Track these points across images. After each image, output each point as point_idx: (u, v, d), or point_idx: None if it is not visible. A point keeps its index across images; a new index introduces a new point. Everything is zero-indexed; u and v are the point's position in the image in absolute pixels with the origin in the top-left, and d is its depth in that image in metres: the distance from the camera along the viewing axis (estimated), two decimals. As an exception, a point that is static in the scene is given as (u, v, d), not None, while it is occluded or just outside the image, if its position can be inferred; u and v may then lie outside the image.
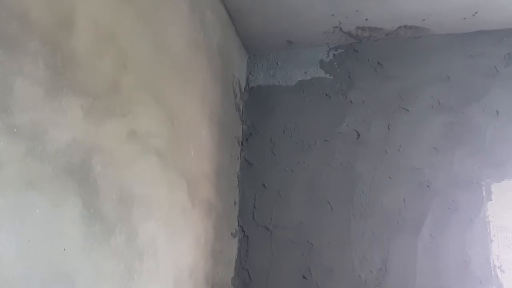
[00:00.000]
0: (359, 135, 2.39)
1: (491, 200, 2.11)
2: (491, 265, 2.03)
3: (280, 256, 2.31)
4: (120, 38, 1.29)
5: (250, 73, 2.73)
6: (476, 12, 2.24)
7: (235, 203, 2.41)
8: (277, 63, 2.70)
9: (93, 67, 1.15)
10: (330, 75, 2.57)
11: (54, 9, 1.02)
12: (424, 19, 2.31)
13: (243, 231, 2.42)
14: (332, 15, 2.33)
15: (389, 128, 2.35)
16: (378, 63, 2.48)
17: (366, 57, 2.52)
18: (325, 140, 2.44)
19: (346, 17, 2.35)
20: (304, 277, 2.25)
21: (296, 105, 2.56)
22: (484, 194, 2.13)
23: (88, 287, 1.09)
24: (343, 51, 2.59)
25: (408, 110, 2.35)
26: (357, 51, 2.55)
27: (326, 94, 2.53)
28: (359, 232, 2.22)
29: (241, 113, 2.59)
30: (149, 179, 1.42)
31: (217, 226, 2.06)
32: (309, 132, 2.48)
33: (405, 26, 2.39)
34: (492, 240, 2.06)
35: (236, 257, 2.37)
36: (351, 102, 2.47)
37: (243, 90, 2.65)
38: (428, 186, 2.20)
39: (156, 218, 1.45)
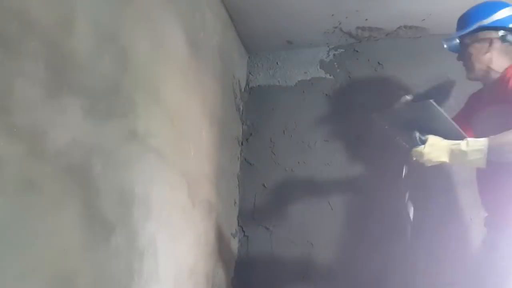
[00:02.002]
0: (359, 135, 2.39)
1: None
2: (491, 265, 2.03)
3: (280, 256, 2.31)
4: (120, 38, 1.29)
5: (250, 73, 2.73)
6: (476, 12, 2.23)
7: (235, 203, 2.41)
8: (277, 63, 2.70)
9: (93, 67, 1.15)
10: (330, 75, 2.57)
11: (54, 9, 1.02)
12: (424, 19, 2.31)
13: (243, 231, 2.42)
14: (332, 15, 2.33)
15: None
16: (378, 63, 2.48)
17: (366, 57, 2.52)
18: (325, 140, 2.44)
19: (346, 17, 2.35)
20: (304, 277, 2.25)
21: (296, 105, 2.56)
22: (484, 194, 2.12)
23: (88, 287, 1.09)
24: (343, 51, 2.59)
25: (408, 110, 2.35)
26: (357, 51, 2.55)
27: (326, 94, 2.53)
28: (359, 232, 2.22)
29: (241, 113, 2.59)
30: (149, 179, 1.42)
31: (217, 226, 2.06)
32: (309, 132, 2.48)
33: (405, 26, 2.38)
34: (492, 240, 2.06)
35: (236, 257, 2.37)
36: (351, 102, 2.47)
37: (243, 90, 2.64)
38: (428, 186, 2.19)
39: (156, 218, 1.45)
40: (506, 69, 1.61)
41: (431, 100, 1.51)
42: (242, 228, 2.42)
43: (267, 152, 2.52)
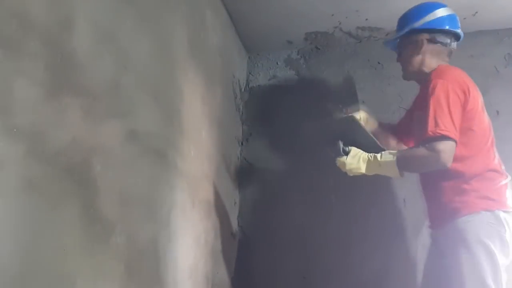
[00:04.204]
0: (359, 135, 2.39)
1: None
2: (491, 265, 2.03)
3: (280, 256, 2.31)
4: (120, 38, 1.29)
5: (250, 73, 2.73)
6: (476, 12, 2.23)
7: (235, 203, 2.40)
8: (277, 63, 2.70)
9: (93, 67, 1.15)
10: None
11: (54, 9, 1.02)
12: (424, 19, 2.31)
13: (243, 231, 2.41)
14: (332, 15, 2.33)
15: (389, 128, 2.35)
16: (378, 63, 2.48)
17: (366, 57, 2.51)
18: (325, 140, 2.44)
19: (346, 17, 2.35)
20: (304, 277, 2.25)
21: (296, 105, 2.55)
22: (484, 194, 2.12)
23: (88, 287, 1.09)
24: (343, 51, 2.59)
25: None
26: (357, 51, 2.55)
27: (326, 94, 2.53)
28: (359, 232, 2.22)
29: (241, 113, 2.59)
30: (149, 179, 1.42)
31: (217, 226, 2.06)
32: (309, 132, 2.47)
33: (405, 26, 2.38)
34: (492, 240, 2.06)
35: (236, 257, 2.36)
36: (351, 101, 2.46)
37: (243, 90, 2.64)
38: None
39: (156, 218, 1.45)
40: (431, 73, 1.65)
41: (354, 115, 1.77)
42: (242, 228, 2.42)
43: (267, 152, 2.52)
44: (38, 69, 0.95)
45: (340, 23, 2.40)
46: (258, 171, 2.50)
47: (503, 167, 1.61)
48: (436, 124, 1.47)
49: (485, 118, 1.64)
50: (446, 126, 1.47)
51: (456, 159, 1.51)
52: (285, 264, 2.29)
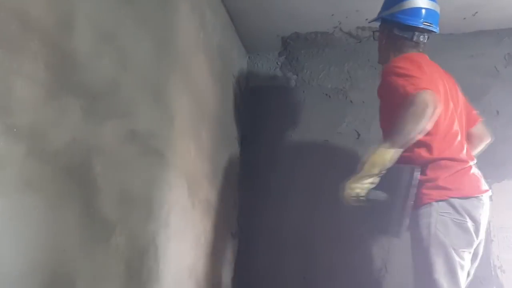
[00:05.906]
0: (359, 135, 2.39)
1: (491, 200, 2.11)
2: (491, 265, 2.03)
3: (280, 256, 2.31)
4: (120, 38, 1.29)
5: (250, 73, 2.73)
6: (476, 12, 2.23)
7: (235, 203, 2.40)
8: (277, 63, 2.70)
9: (93, 67, 1.15)
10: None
11: (54, 9, 1.02)
12: (424, 19, 2.31)
13: (243, 231, 2.41)
14: (332, 15, 2.33)
15: (389, 128, 2.35)
16: (378, 63, 2.47)
17: (366, 57, 2.51)
18: (325, 140, 2.44)
19: (346, 17, 2.35)
20: (304, 277, 2.25)
21: (296, 105, 2.55)
22: (484, 194, 2.12)
23: (88, 287, 1.09)
24: (343, 51, 2.59)
25: (408, 110, 2.34)
26: (357, 51, 2.55)
27: (326, 94, 2.53)
28: (359, 232, 2.22)
29: (241, 113, 2.59)
30: (149, 179, 1.42)
31: (217, 226, 2.06)
32: (309, 132, 2.48)
33: (405, 26, 2.38)
34: (492, 240, 2.06)
35: (236, 257, 2.36)
36: (351, 102, 2.47)
37: (243, 90, 2.64)
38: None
39: (156, 218, 1.45)
40: (385, 65, 1.66)
41: None
42: (242, 228, 2.42)
43: (267, 152, 2.52)
44: (38, 69, 0.95)
45: (340, 23, 2.40)
46: (258, 171, 2.50)
47: (464, 152, 1.54)
48: (410, 85, 1.43)
49: (448, 106, 1.58)
50: (418, 84, 1.41)
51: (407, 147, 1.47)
52: (285, 264, 2.29)
